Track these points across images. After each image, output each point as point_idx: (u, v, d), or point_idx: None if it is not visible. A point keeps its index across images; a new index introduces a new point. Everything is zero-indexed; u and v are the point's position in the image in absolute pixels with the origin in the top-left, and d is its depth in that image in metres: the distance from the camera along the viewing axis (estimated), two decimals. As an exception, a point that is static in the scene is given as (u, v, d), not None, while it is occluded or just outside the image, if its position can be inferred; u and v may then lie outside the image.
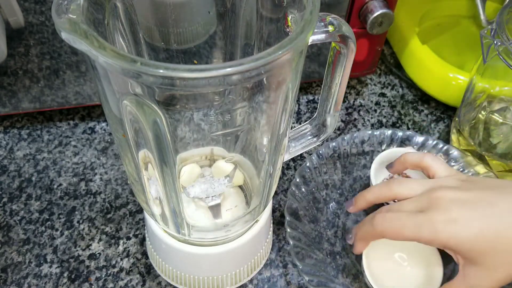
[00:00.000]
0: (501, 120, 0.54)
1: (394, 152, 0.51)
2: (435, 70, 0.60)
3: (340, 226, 0.50)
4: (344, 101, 0.64)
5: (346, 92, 0.65)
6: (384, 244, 0.45)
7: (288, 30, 0.34)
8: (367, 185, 0.53)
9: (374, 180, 0.49)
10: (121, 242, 0.49)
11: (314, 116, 0.42)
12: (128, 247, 0.49)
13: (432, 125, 0.61)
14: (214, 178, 0.42)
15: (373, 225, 0.39)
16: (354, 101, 0.64)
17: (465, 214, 0.36)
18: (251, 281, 0.47)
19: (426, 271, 0.44)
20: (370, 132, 0.54)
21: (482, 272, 0.36)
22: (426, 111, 0.63)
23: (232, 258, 0.43)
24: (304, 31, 0.28)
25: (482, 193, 0.37)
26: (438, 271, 0.43)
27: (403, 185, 0.41)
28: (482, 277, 0.37)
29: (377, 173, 0.50)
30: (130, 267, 0.47)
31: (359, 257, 0.44)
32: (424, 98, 0.65)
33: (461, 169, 0.52)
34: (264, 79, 0.32)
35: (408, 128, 0.61)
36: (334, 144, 0.53)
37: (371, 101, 0.64)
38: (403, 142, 0.54)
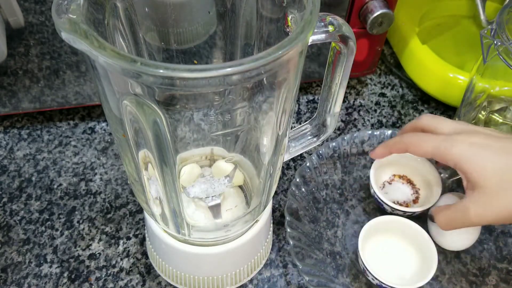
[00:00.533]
0: (501, 120, 0.54)
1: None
2: (435, 70, 0.60)
3: (340, 226, 0.50)
4: (344, 101, 0.64)
5: (346, 92, 0.65)
6: (380, 235, 0.46)
7: (288, 30, 0.34)
8: (367, 185, 0.53)
9: (373, 181, 0.49)
10: (121, 242, 0.49)
11: (314, 116, 0.42)
12: (128, 247, 0.49)
13: (432, 125, 0.61)
14: (214, 178, 0.42)
15: (402, 137, 0.43)
16: (354, 101, 0.64)
17: (482, 142, 0.39)
18: (251, 281, 0.47)
19: (422, 262, 0.44)
20: (370, 132, 0.54)
21: (486, 200, 0.38)
22: (426, 111, 0.63)
23: (232, 258, 0.43)
24: (304, 31, 0.28)
25: (505, 142, 0.39)
26: (433, 261, 0.43)
27: (434, 122, 0.44)
28: (486, 205, 0.38)
29: (377, 173, 0.50)
30: (130, 267, 0.47)
31: (358, 256, 0.44)
32: (424, 98, 0.65)
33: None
34: (264, 79, 0.32)
35: (408, 128, 0.61)
36: (334, 144, 0.53)
37: (371, 101, 0.64)
38: (403, 142, 0.54)
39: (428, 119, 0.44)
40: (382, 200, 0.48)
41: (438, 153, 0.40)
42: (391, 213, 0.48)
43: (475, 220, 0.39)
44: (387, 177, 0.52)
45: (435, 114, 0.63)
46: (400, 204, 0.49)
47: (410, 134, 0.43)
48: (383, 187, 0.51)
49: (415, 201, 0.50)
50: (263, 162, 0.40)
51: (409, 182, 0.52)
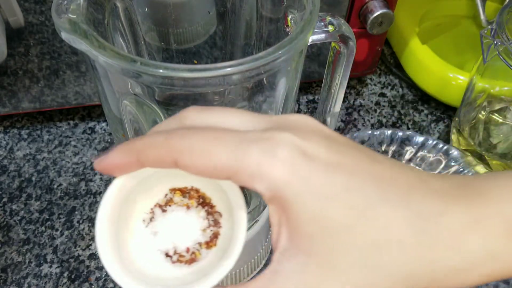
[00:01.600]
0: (501, 120, 0.54)
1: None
2: (435, 70, 0.60)
3: (340, 226, 0.50)
4: (344, 101, 0.64)
5: (346, 92, 0.65)
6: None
7: (288, 30, 0.34)
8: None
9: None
10: (121, 242, 0.49)
11: (314, 116, 0.42)
12: (128, 247, 0.49)
13: (432, 125, 0.61)
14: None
15: (168, 136, 0.21)
16: (354, 101, 0.64)
17: (323, 150, 0.21)
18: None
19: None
20: (370, 132, 0.54)
21: (313, 272, 0.20)
22: (426, 111, 0.63)
23: (232, 258, 0.43)
24: (304, 31, 0.28)
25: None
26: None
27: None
28: (308, 280, 0.20)
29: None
30: (130, 267, 0.47)
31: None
32: (424, 98, 0.65)
33: (461, 169, 0.52)
34: (264, 79, 0.32)
35: (408, 128, 0.61)
36: (334, 144, 0.53)
37: (371, 101, 0.64)
38: (403, 142, 0.54)
39: (196, 114, 0.23)
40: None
41: (241, 167, 0.20)
42: None
43: None
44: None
45: (435, 114, 0.63)
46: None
47: (184, 131, 0.21)
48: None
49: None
50: (263, 162, 0.39)
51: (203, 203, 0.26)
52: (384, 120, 0.62)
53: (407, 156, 0.52)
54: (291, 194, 0.20)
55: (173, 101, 0.32)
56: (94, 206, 0.52)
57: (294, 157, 0.20)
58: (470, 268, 0.20)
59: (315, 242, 0.20)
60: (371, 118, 0.62)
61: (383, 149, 0.54)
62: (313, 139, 0.21)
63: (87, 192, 0.53)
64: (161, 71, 0.24)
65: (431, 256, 0.20)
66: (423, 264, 0.20)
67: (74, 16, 0.27)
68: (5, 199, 0.52)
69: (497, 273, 0.21)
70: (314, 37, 0.32)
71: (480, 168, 0.51)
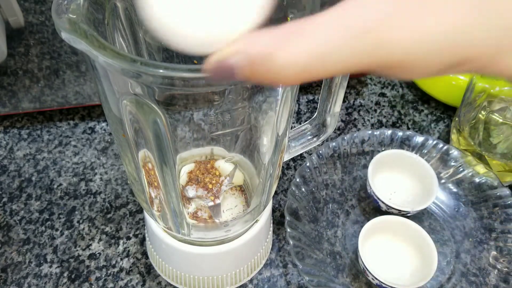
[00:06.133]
0: (501, 120, 0.54)
1: (392, 152, 0.51)
2: (435, 70, 0.60)
3: (340, 226, 0.50)
4: (344, 101, 0.64)
5: (346, 92, 0.65)
6: (380, 235, 0.46)
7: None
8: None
9: (371, 180, 0.49)
10: (121, 242, 0.49)
11: (314, 116, 0.42)
12: (128, 247, 0.49)
13: (432, 125, 0.61)
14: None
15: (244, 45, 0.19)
16: (354, 101, 0.64)
17: None
18: (251, 281, 0.47)
19: (422, 262, 0.44)
20: (370, 132, 0.54)
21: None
22: (426, 111, 0.63)
23: (232, 258, 0.43)
24: (304, 31, 0.28)
25: None
26: (433, 261, 0.43)
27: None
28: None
29: (374, 173, 0.50)
30: (130, 267, 0.47)
31: (358, 256, 0.44)
32: (424, 98, 0.65)
33: (461, 169, 0.52)
34: (264, 79, 0.32)
35: (408, 128, 0.61)
36: (334, 144, 0.53)
37: (371, 101, 0.64)
38: (403, 142, 0.54)
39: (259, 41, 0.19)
40: (378, 198, 0.48)
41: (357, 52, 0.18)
42: (386, 211, 0.48)
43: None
44: (384, 175, 0.51)
45: (435, 114, 0.63)
46: None
47: (254, 36, 0.19)
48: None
49: None
50: (263, 162, 0.40)
51: None
52: (384, 120, 0.62)
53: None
54: None
55: (173, 101, 0.32)
56: (94, 206, 0.52)
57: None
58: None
59: None
60: (371, 118, 0.62)
61: (383, 149, 0.54)
62: None
63: (87, 192, 0.53)
64: (161, 71, 0.24)
65: None
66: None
67: (74, 16, 0.27)
68: (5, 199, 0.52)
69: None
70: (314, 37, 0.32)
71: (480, 168, 0.51)
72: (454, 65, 0.18)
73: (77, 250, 0.48)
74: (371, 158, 0.50)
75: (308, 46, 0.18)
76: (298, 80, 0.19)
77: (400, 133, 0.54)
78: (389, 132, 0.54)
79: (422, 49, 0.18)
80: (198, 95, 0.34)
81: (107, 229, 0.50)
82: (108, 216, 0.51)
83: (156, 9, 0.20)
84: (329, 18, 0.18)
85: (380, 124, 0.61)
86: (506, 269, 0.46)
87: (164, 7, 0.20)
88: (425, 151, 0.53)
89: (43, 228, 0.50)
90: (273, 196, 0.47)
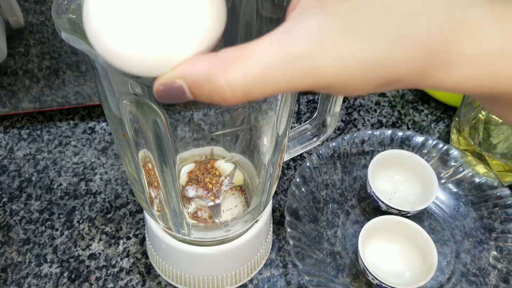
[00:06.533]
0: (501, 120, 0.54)
1: (392, 152, 0.51)
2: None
3: (340, 226, 0.50)
4: (344, 101, 0.64)
5: (346, 92, 0.65)
6: (380, 235, 0.46)
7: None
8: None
9: (371, 180, 0.49)
10: (121, 242, 0.49)
11: (314, 116, 0.42)
12: (128, 247, 0.49)
13: (432, 125, 0.61)
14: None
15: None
16: (354, 101, 0.64)
17: None
18: (251, 281, 0.47)
19: (422, 262, 0.44)
20: (370, 132, 0.54)
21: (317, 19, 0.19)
22: (426, 111, 0.63)
23: (232, 258, 0.43)
24: (304, 31, 0.28)
25: None
26: (433, 261, 0.43)
27: None
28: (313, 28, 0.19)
29: (374, 173, 0.50)
30: (130, 267, 0.47)
31: (358, 256, 0.44)
32: (424, 98, 0.65)
33: (461, 169, 0.52)
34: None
35: (408, 128, 0.61)
36: (334, 144, 0.53)
37: (371, 101, 0.64)
38: (403, 142, 0.54)
39: None
40: (378, 198, 0.48)
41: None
42: (386, 211, 0.48)
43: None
44: (384, 175, 0.52)
45: (435, 114, 0.63)
46: None
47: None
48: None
49: None
50: (263, 162, 0.40)
51: None
52: (384, 120, 0.62)
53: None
54: None
55: (173, 101, 0.32)
56: (94, 206, 0.52)
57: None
58: (479, 61, 0.19)
59: (344, 3, 0.19)
60: (371, 118, 0.62)
61: (383, 149, 0.54)
62: None
63: (87, 192, 0.53)
64: (161, 71, 0.24)
65: (451, 38, 0.19)
66: (442, 44, 0.19)
67: (74, 16, 0.27)
68: (5, 199, 0.52)
69: (496, 76, 0.19)
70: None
71: (480, 168, 0.51)
72: (385, 84, 0.20)
73: (77, 250, 0.48)
74: (371, 158, 0.50)
75: (247, 70, 0.20)
76: (242, 99, 0.20)
77: (400, 133, 0.54)
78: (389, 132, 0.54)
79: (347, 73, 0.19)
80: (198, 95, 0.34)
81: (107, 229, 0.50)
82: (108, 216, 0.51)
83: (100, 29, 0.21)
84: (265, 44, 0.20)
85: (380, 124, 0.61)
86: (506, 269, 0.46)
87: (108, 30, 0.21)
88: (425, 151, 0.53)
89: (43, 228, 0.50)
90: (273, 196, 0.47)
